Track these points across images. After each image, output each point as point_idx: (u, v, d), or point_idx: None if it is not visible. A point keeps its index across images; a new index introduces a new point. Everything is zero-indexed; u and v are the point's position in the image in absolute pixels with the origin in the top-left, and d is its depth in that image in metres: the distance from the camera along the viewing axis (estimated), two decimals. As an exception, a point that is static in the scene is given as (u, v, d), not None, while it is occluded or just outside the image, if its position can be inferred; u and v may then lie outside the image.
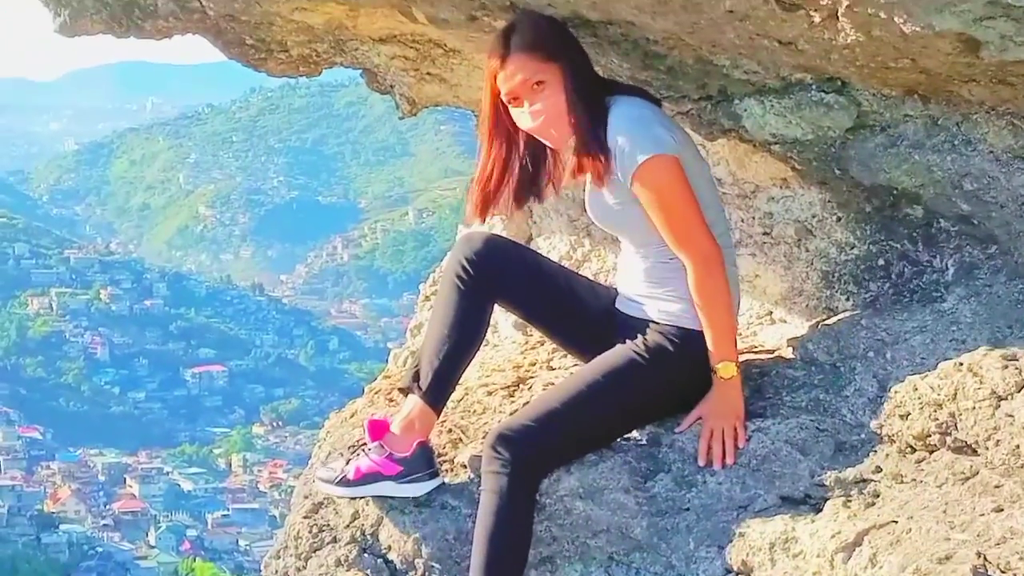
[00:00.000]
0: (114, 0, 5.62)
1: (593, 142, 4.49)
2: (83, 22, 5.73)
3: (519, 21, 4.58)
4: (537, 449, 4.40)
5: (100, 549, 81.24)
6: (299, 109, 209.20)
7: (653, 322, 4.60)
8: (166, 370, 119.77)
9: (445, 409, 4.84)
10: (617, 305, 4.75)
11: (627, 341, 4.60)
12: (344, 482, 4.75)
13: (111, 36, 5.82)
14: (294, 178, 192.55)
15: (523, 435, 4.39)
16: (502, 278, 4.77)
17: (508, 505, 4.33)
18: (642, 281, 4.66)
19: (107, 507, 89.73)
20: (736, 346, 4.58)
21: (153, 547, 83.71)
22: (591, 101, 4.52)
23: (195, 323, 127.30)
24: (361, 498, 4.79)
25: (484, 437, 4.59)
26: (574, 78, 4.50)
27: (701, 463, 4.47)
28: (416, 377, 4.75)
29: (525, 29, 4.54)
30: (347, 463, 4.79)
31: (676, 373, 4.56)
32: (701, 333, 4.53)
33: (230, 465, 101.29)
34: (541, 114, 4.54)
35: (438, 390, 4.71)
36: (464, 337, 4.74)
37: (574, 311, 4.85)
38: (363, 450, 4.76)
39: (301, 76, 6.23)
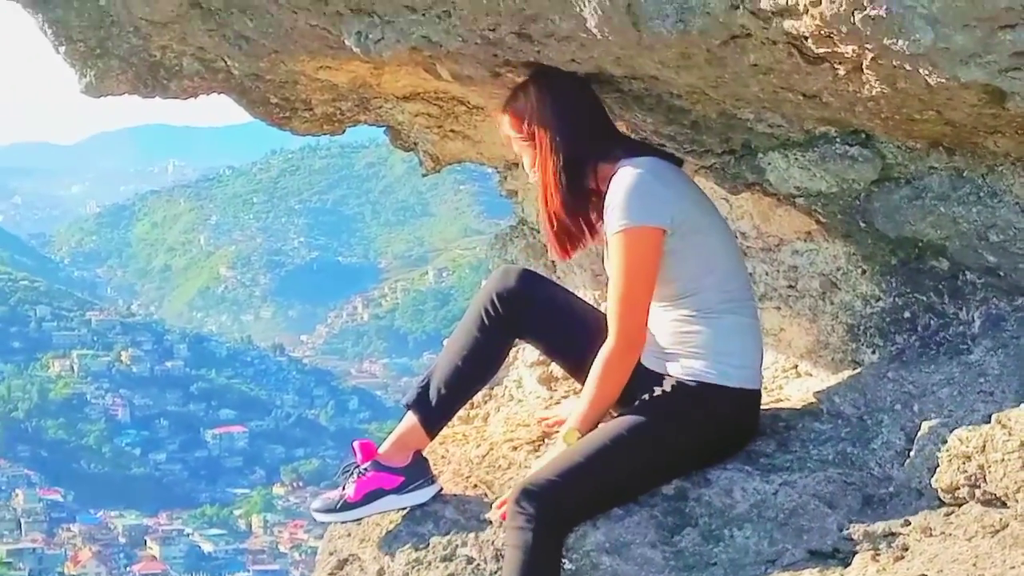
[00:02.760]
0: (139, 60, 5.66)
1: (566, 219, 4.65)
2: (109, 83, 5.76)
3: (525, 83, 4.72)
4: (562, 504, 4.36)
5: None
6: (320, 170, 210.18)
7: (676, 378, 4.59)
8: (187, 431, 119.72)
9: (471, 463, 4.86)
10: (641, 359, 4.71)
11: (650, 395, 4.60)
12: (346, 506, 4.80)
13: (136, 97, 5.85)
14: (314, 239, 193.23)
15: (547, 490, 4.35)
16: (530, 316, 4.83)
17: (533, 561, 4.30)
18: (664, 335, 4.65)
19: (128, 569, 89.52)
20: (596, 426, 4.60)
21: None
22: (572, 176, 4.61)
23: (216, 384, 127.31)
24: (368, 517, 4.84)
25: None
26: (555, 155, 4.61)
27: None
28: (419, 399, 4.83)
29: (517, 94, 4.72)
30: (343, 488, 4.82)
31: (700, 428, 4.56)
32: (723, 388, 4.55)
33: (250, 526, 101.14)
34: (533, 175, 4.73)
35: (437, 416, 4.85)
36: (476, 371, 4.86)
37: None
38: (357, 471, 4.81)
39: (325, 134, 6.26)
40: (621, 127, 4.93)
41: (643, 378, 4.66)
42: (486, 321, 4.82)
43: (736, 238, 5.15)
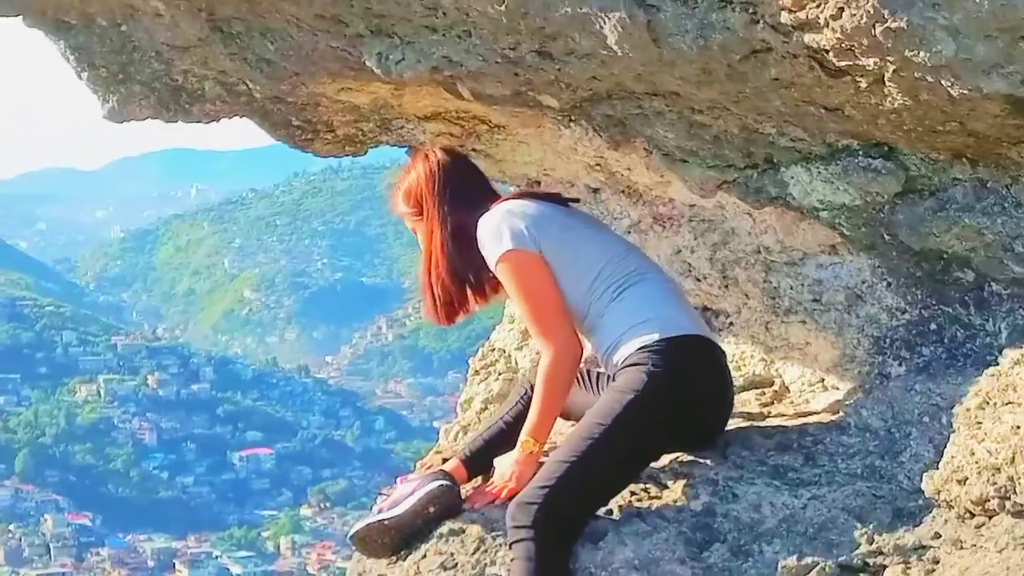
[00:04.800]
0: (161, 85, 5.69)
1: (450, 284, 4.97)
2: (131, 108, 5.79)
3: (411, 164, 5.10)
4: (554, 508, 4.42)
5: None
6: (342, 192, 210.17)
7: (619, 364, 4.70)
8: (213, 454, 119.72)
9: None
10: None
11: (607, 386, 4.76)
12: (376, 514, 4.92)
13: (158, 121, 5.88)
14: (338, 260, 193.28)
15: (538, 498, 4.43)
16: None
17: (540, 567, 4.35)
18: (599, 344, 4.84)
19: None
20: (548, 433, 4.82)
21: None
22: (458, 243, 4.92)
23: (242, 406, 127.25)
24: (388, 521, 4.86)
25: None
26: (442, 224, 4.94)
27: (466, 504, 4.87)
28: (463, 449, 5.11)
29: (406, 174, 5.07)
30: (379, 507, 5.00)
31: (656, 388, 4.60)
32: (655, 343, 4.65)
33: (279, 548, 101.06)
34: (425, 235, 5.01)
35: (475, 460, 5.03)
36: (513, 433, 4.94)
37: None
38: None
39: (347, 155, 6.30)
40: (642, 144, 4.96)
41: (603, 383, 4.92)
42: (524, 400, 5.04)
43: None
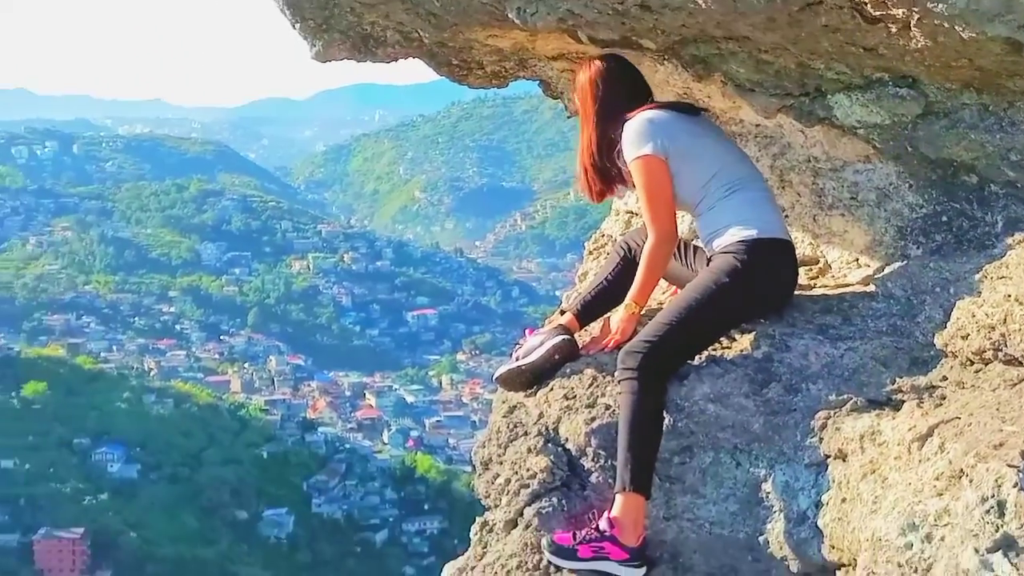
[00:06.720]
0: (355, 33, 5.68)
1: (594, 170, 4.88)
2: (332, 50, 5.80)
3: (580, 66, 4.96)
4: (654, 357, 4.38)
5: (348, 446, 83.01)
6: (488, 116, 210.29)
7: (719, 249, 4.62)
8: (393, 313, 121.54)
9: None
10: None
11: (707, 266, 4.67)
12: (514, 361, 4.94)
13: (352, 61, 5.89)
14: (484, 169, 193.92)
15: (642, 348, 4.39)
16: None
17: (641, 399, 4.33)
18: (706, 230, 4.72)
19: (352, 415, 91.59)
20: (647, 298, 4.74)
21: (386, 444, 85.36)
22: (602, 139, 4.80)
23: (413, 278, 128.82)
24: (525, 366, 4.86)
25: None
26: (592, 122, 4.83)
27: (582, 352, 4.84)
28: (574, 304, 5.08)
29: (576, 75, 4.95)
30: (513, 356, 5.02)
31: (744, 273, 4.52)
32: (751, 240, 4.55)
33: (441, 383, 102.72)
34: (582, 130, 4.90)
35: (585, 312, 5.02)
36: (613, 289, 4.97)
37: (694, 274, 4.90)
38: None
39: (493, 87, 6.26)
40: (719, 77, 4.86)
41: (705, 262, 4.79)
42: (621, 259, 5.04)
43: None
